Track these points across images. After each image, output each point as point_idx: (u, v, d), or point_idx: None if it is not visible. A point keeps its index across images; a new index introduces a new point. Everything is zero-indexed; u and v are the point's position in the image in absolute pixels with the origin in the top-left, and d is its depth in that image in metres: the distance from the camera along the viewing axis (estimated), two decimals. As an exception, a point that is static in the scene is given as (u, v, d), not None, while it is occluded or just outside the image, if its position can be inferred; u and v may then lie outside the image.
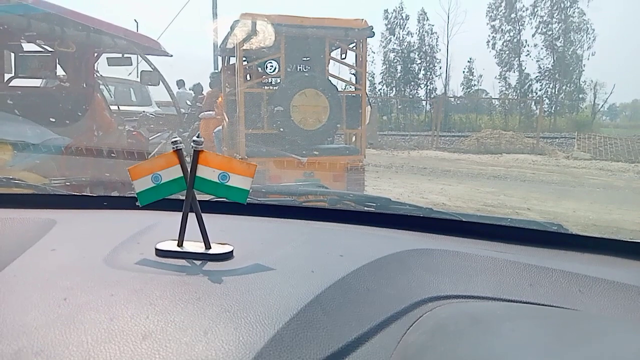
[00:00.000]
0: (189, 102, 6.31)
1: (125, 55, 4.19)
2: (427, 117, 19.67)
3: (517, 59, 21.88)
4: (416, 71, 22.41)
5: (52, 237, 0.65)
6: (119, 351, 0.37)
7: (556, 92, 21.71)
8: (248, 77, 4.02)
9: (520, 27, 21.74)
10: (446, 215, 0.87)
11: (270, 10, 3.88)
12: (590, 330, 0.44)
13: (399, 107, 21.22)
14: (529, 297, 0.54)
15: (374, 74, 22.38)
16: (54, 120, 3.05)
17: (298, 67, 3.77)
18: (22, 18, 3.05)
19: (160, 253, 0.57)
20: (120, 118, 4.36)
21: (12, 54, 3.53)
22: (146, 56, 4.15)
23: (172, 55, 4.47)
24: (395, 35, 22.25)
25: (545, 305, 0.52)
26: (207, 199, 0.75)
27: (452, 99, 21.97)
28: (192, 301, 0.45)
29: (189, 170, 0.57)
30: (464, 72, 23.00)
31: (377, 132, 12.92)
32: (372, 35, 3.93)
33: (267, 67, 4.00)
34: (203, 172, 0.57)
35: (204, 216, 0.58)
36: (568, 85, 21.79)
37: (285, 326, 0.41)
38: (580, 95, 21.88)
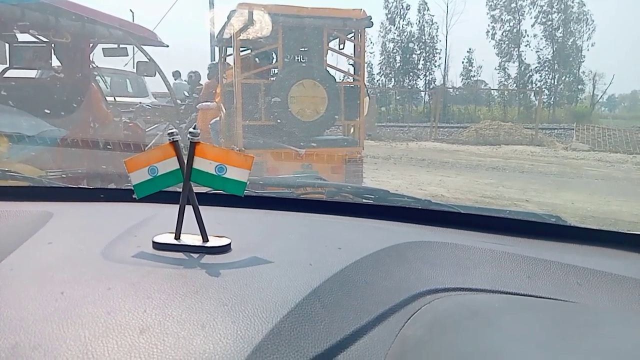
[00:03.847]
0: (186, 93, 6.27)
1: (121, 46, 4.14)
2: (425, 108, 19.63)
3: (516, 49, 21.80)
4: (415, 62, 22.30)
5: (48, 230, 0.64)
6: (117, 345, 0.37)
7: (555, 83, 21.68)
8: (245, 68, 3.99)
9: (520, 17, 21.62)
10: (444, 207, 0.87)
11: (268, -1, 3.84)
12: (588, 322, 0.44)
13: (398, 98, 21.17)
14: (526, 289, 0.54)
15: (372, 64, 22.27)
16: (49, 111, 3.03)
17: (296, 58, 3.73)
18: (16, 8, 3.01)
19: (158, 246, 0.56)
20: (117, 109, 4.33)
21: (7, 45, 3.48)
22: (142, 47, 4.11)
23: (168, 46, 4.43)
24: (395, 25, 22.09)
25: (543, 298, 0.52)
26: (204, 191, 0.75)
27: (451, 90, 21.90)
28: (190, 294, 0.45)
29: (185, 162, 0.56)
30: (463, 62, 22.93)
31: (375, 123, 12.90)
32: (371, 25, 3.89)
33: (264, 57, 3.97)
34: (200, 164, 0.56)
35: (201, 209, 0.57)
36: (567, 76, 21.76)
37: (283, 319, 0.41)
38: (580, 86, 21.87)
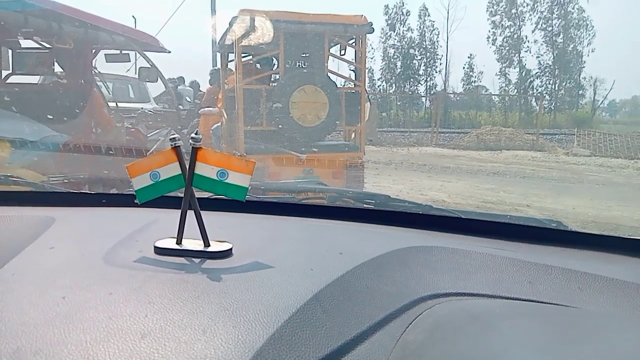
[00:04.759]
0: (188, 99, 6.31)
1: (123, 52, 4.17)
2: (426, 114, 19.67)
3: (517, 55, 21.88)
4: (416, 67, 22.38)
5: (50, 235, 0.65)
6: (118, 350, 0.37)
7: (556, 89, 21.72)
8: (247, 74, 4.01)
9: (521, 23, 21.73)
10: (445, 212, 0.87)
11: (269, 6, 3.87)
12: (589, 327, 0.44)
13: (399, 103, 21.22)
14: (528, 294, 0.54)
15: (373, 70, 22.36)
16: (51, 117, 3.04)
17: (297, 64, 3.75)
18: (19, 14, 3.04)
19: (159, 251, 0.57)
20: (119, 115, 4.35)
21: (10, 51, 3.51)
22: (144, 53, 4.13)
23: (170, 52, 4.46)
24: (396, 31, 22.21)
25: (544, 303, 0.52)
26: (205, 197, 0.75)
27: (452, 96, 21.97)
28: (191, 299, 0.45)
29: (187, 167, 0.57)
30: (464, 68, 23.03)
31: (376, 128, 12.92)
32: (372, 31, 3.92)
33: (266, 63, 3.99)
34: (202, 169, 0.57)
35: (203, 214, 0.57)
36: (568, 81, 21.81)
37: (284, 325, 0.41)
38: (580, 92, 21.95)
